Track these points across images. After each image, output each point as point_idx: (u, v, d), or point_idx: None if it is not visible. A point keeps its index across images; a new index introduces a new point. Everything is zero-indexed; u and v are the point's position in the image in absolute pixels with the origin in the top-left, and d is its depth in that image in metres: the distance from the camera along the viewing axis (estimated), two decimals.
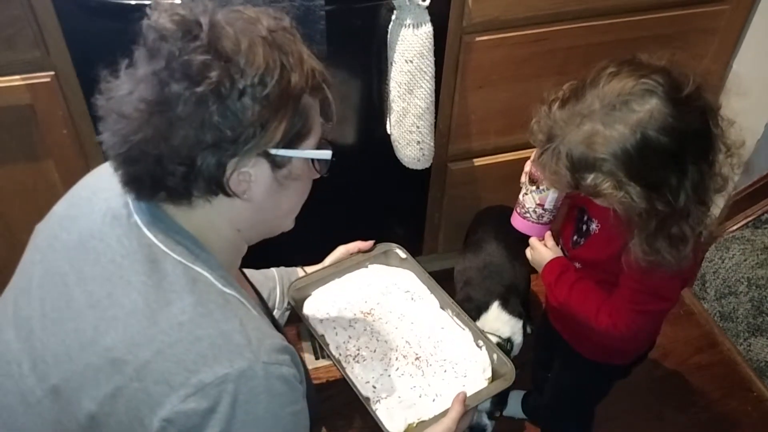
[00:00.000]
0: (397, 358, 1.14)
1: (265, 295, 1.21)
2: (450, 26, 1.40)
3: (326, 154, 0.83)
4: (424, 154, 1.46)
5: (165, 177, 0.75)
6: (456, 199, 1.75)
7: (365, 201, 1.65)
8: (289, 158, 0.80)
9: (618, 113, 0.90)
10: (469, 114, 1.58)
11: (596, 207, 1.10)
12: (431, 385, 1.11)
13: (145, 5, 0.76)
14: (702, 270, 1.94)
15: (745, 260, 1.83)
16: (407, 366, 1.13)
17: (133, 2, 1.16)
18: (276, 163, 0.79)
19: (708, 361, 1.85)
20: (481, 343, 1.17)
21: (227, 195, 0.78)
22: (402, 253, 1.30)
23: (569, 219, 1.22)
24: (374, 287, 1.26)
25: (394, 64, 1.34)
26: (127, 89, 0.74)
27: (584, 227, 1.17)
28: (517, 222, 1.22)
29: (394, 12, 1.29)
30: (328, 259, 1.32)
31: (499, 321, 1.52)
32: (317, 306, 1.22)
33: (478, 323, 1.49)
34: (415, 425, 1.04)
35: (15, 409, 0.81)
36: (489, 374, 1.13)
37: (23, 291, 0.85)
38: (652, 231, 0.95)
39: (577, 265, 1.20)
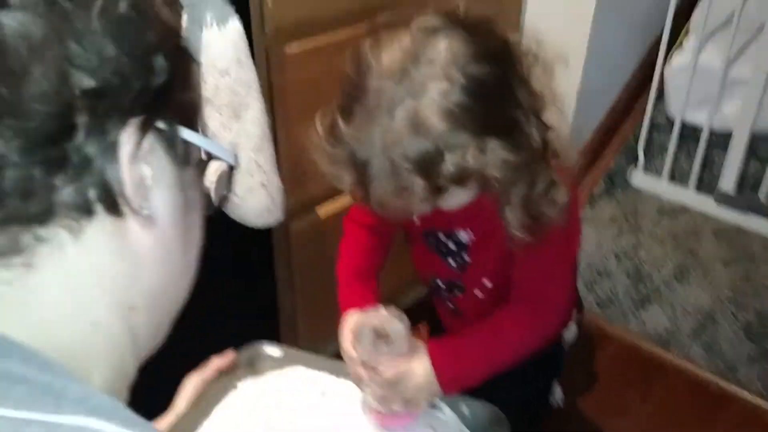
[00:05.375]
0: None
1: None
2: (253, 35, 1.09)
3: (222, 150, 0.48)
4: (273, 199, 1.08)
5: (12, 178, 0.37)
6: (307, 270, 1.39)
7: (202, 301, 1.20)
8: (190, 144, 0.47)
9: (418, 75, 0.69)
10: (298, 151, 1.26)
11: (447, 218, 0.88)
12: None
13: None
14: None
15: (603, 237, 1.77)
16: None
17: None
18: (176, 153, 0.45)
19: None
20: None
21: (116, 213, 0.42)
22: (275, 351, 0.93)
23: (424, 253, 0.98)
24: (264, 409, 0.87)
25: (204, 83, 0.98)
26: None
27: (452, 245, 0.95)
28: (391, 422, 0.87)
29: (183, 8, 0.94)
30: (181, 401, 0.87)
31: None
32: None
33: None
34: None
35: None
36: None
37: None
38: (525, 191, 0.77)
39: (487, 283, 0.96)
